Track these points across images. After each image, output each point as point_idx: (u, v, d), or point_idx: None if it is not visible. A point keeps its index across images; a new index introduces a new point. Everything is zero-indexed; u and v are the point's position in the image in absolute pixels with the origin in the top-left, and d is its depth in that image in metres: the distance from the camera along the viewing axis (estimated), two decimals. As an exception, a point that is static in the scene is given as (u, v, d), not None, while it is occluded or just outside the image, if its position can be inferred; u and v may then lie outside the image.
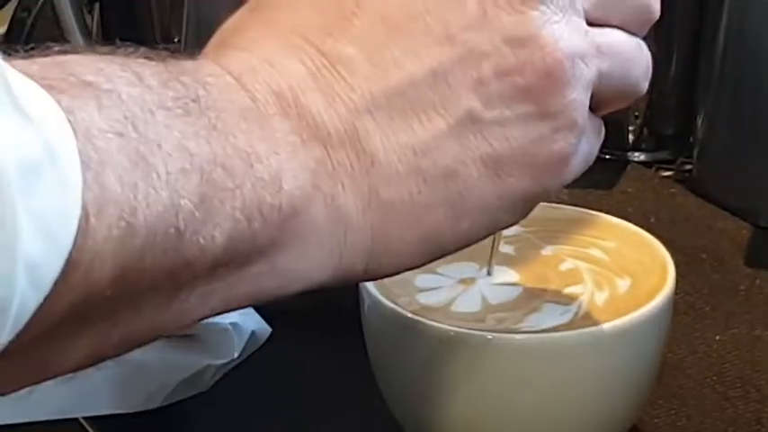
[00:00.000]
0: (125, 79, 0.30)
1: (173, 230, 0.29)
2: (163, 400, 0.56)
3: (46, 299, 0.25)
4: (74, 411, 0.56)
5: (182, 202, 0.29)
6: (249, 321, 0.56)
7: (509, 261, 0.51)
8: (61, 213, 0.25)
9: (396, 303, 0.47)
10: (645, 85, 0.41)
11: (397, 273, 0.38)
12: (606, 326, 0.45)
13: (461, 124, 0.35)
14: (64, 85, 0.28)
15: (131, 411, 0.55)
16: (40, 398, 0.53)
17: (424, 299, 0.48)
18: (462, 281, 0.50)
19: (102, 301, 0.28)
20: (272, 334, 0.57)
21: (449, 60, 0.35)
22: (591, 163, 0.40)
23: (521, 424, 0.48)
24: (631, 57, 0.39)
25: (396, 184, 0.35)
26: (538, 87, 0.36)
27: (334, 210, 0.34)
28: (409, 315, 0.46)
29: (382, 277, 0.40)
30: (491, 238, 0.46)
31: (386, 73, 0.35)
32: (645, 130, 0.82)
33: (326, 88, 0.34)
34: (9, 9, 0.92)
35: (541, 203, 0.54)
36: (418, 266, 0.39)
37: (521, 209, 0.38)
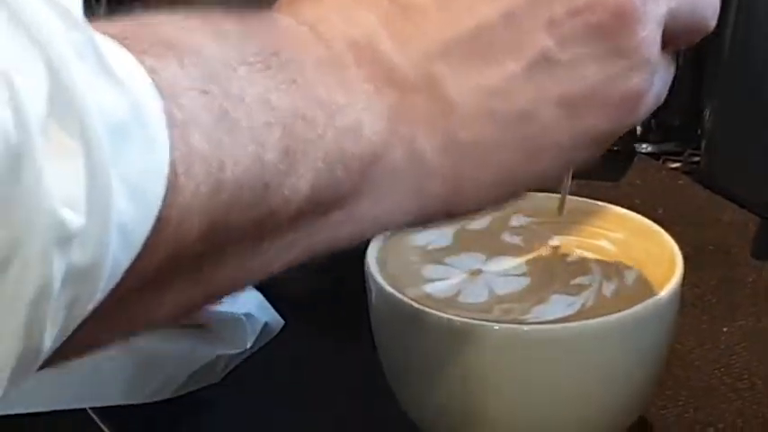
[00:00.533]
0: (206, 36, 0.30)
1: (259, 184, 0.29)
2: (174, 392, 0.56)
3: (137, 257, 0.26)
4: (85, 401, 0.56)
5: (267, 155, 0.29)
6: (263, 313, 0.57)
7: (517, 252, 0.51)
8: (150, 173, 0.26)
9: (403, 293, 0.47)
10: (713, 23, 0.41)
11: (477, 212, 0.40)
12: (614, 317, 0.45)
13: (535, 65, 0.35)
14: (146, 45, 0.28)
15: (142, 402, 0.55)
16: (52, 387, 0.53)
17: (431, 289, 0.48)
18: (469, 271, 0.50)
19: (191, 256, 0.29)
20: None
21: (520, 2, 0.35)
22: (662, 100, 0.40)
23: (527, 414, 0.48)
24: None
25: (471, 127, 0.35)
26: (610, 25, 0.35)
27: (411, 153, 0.34)
28: (416, 305, 0.46)
29: (462, 217, 0.41)
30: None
31: (458, 17, 0.35)
32: (652, 122, 0.82)
33: (399, 35, 0.35)
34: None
35: (550, 195, 0.55)
36: (495, 206, 0.40)
37: (596, 147, 0.38)
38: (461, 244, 0.51)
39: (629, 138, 0.81)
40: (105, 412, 0.56)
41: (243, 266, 0.32)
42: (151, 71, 0.27)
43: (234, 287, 0.34)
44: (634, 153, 0.81)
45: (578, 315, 0.46)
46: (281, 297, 0.59)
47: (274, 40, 0.33)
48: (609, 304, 0.46)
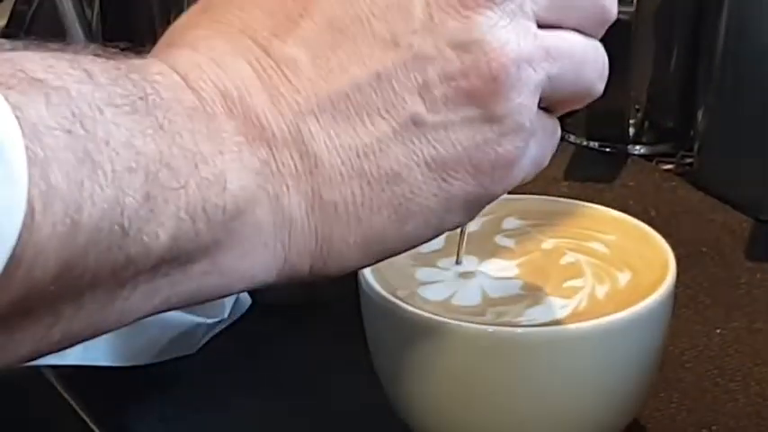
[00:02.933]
0: (74, 76, 0.30)
1: (117, 228, 0.29)
2: (154, 357, 0.57)
3: None
4: (68, 359, 0.55)
5: (126, 200, 0.29)
6: None
7: (509, 254, 0.51)
8: (6, 209, 0.26)
9: (395, 296, 0.47)
10: (600, 87, 0.41)
11: (344, 272, 0.38)
12: (607, 319, 0.45)
13: (406, 128, 0.36)
14: (12, 81, 0.28)
15: (124, 365, 0.56)
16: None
17: (423, 292, 0.48)
18: (462, 274, 0.49)
19: (44, 297, 0.28)
20: (274, 326, 0.60)
21: (394, 64, 0.35)
22: (544, 165, 0.40)
23: (520, 417, 0.47)
24: (584, 59, 0.39)
25: (339, 187, 0.35)
26: (483, 92, 0.36)
27: (278, 211, 0.34)
28: (409, 308, 0.46)
29: (328, 277, 0.39)
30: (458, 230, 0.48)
31: (331, 75, 0.35)
32: (646, 124, 0.82)
33: (272, 89, 0.35)
34: (9, 2, 0.93)
35: (542, 197, 0.56)
36: (365, 266, 0.42)
37: (467, 211, 0.39)
38: (454, 246, 0.51)
39: (622, 139, 0.82)
40: (68, 382, 0.57)
41: (102, 311, 0.32)
42: (15, 107, 0.26)
43: (94, 332, 0.33)
44: (627, 155, 0.81)
45: (571, 317, 0.46)
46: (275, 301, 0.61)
47: (144, 84, 0.32)
48: (602, 306, 0.46)
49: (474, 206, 0.39)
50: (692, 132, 0.79)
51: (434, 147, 0.36)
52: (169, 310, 0.35)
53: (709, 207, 0.73)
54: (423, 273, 0.50)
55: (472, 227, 0.52)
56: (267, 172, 0.34)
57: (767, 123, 0.72)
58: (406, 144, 0.36)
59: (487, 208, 0.51)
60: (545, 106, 0.39)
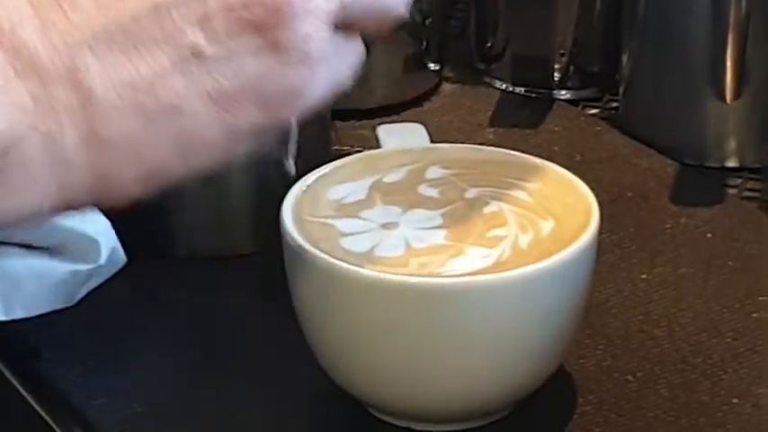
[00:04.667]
0: None
1: None
2: (32, 309, 0.56)
3: None
4: None
5: None
6: (111, 238, 0.59)
7: (433, 204, 0.50)
8: None
9: (318, 248, 0.46)
10: (401, 8, 0.41)
11: (128, 203, 0.38)
12: (530, 268, 0.44)
13: (185, 60, 0.35)
14: None
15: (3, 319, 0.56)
16: None
17: (346, 244, 0.47)
18: (385, 225, 0.49)
19: None
20: (186, 278, 0.61)
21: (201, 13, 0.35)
22: (341, 86, 0.41)
23: (446, 366, 0.47)
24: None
25: (116, 122, 0.34)
26: (266, 22, 0.35)
27: (49, 148, 0.33)
28: (331, 260, 0.45)
29: (111, 208, 0.39)
30: None
31: (109, 7, 0.34)
32: (570, 69, 0.81)
33: (48, 22, 0.33)
34: None
35: (466, 146, 0.55)
36: (147, 196, 0.38)
37: (252, 140, 0.38)
38: (377, 197, 0.50)
39: (547, 85, 0.82)
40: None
41: None
42: None
43: None
44: (552, 100, 0.80)
45: (495, 267, 0.45)
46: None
47: None
48: (526, 255, 0.46)
49: (261, 135, 0.39)
50: (617, 76, 0.79)
51: (216, 78, 0.35)
52: None
53: (635, 152, 0.74)
54: (345, 224, 0.49)
55: (393, 177, 0.51)
56: (39, 108, 0.33)
57: (691, 67, 0.72)
58: (186, 76, 0.35)
59: (410, 157, 0.51)
60: (343, 28, 0.39)
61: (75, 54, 0.33)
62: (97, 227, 0.58)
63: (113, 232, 0.59)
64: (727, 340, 0.55)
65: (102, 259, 0.58)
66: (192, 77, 0.35)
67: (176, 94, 0.35)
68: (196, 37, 0.35)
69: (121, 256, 0.59)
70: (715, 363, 0.54)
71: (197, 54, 0.35)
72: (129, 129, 0.35)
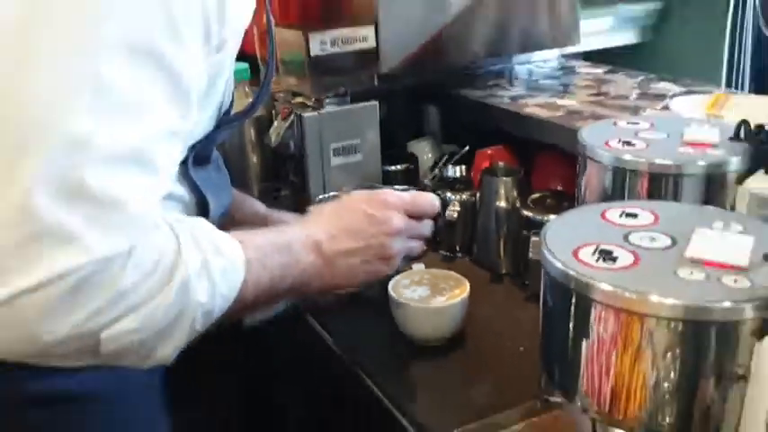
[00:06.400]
0: (263, 234, 1.00)
1: (271, 283, 0.95)
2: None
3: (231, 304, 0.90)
4: None
5: (274, 276, 0.96)
6: None
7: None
8: (236, 280, 0.89)
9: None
10: (428, 233, 1.19)
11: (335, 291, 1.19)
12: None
13: (372, 243, 1.08)
14: (240, 237, 0.94)
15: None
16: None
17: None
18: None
19: (246, 304, 0.93)
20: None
21: (366, 243, 1.08)
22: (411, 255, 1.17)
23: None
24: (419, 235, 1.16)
25: (334, 268, 1.05)
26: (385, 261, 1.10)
27: (317, 272, 1.04)
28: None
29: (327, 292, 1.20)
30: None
31: (340, 219, 1.08)
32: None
33: (326, 231, 1.06)
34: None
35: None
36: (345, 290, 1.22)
37: (374, 277, 1.11)
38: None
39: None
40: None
41: (268, 302, 1.02)
42: (244, 248, 0.92)
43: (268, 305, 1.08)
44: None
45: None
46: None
47: (289, 237, 1.02)
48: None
49: (377, 275, 1.11)
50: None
51: (378, 252, 1.08)
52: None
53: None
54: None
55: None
56: (318, 259, 1.03)
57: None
58: (371, 249, 1.08)
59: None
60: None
61: (327, 241, 1.04)
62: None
63: None
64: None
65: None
66: (372, 250, 1.07)
67: (363, 257, 1.07)
68: (379, 238, 1.07)
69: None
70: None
71: (378, 243, 1.07)
72: (338, 271, 1.05)
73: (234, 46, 0.91)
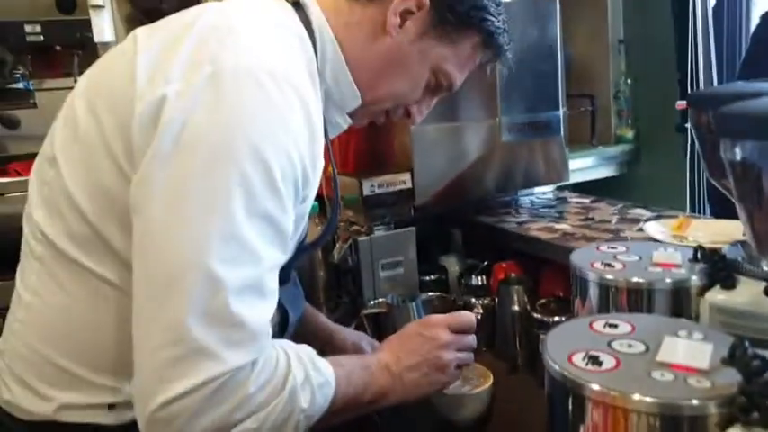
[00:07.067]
0: (348, 360, 0.99)
1: (355, 395, 0.94)
2: None
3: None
4: None
5: (357, 391, 0.94)
6: None
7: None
8: (329, 393, 0.89)
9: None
10: (474, 346, 1.13)
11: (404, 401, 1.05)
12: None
13: (430, 360, 1.05)
14: (337, 361, 0.94)
15: None
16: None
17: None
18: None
19: (336, 412, 0.91)
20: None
21: (425, 359, 1.05)
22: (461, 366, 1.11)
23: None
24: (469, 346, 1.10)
25: (404, 382, 1.02)
26: (441, 370, 1.06)
27: (391, 391, 1.01)
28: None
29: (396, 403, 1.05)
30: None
31: (403, 346, 1.06)
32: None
33: (396, 359, 1.04)
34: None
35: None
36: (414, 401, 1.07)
37: (437, 388, 1.07)
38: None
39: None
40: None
41: (354, 412, 0.96)
42: (333, 367, 0.92)
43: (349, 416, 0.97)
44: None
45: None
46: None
47: (367, 361, 1.01)
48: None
49: (439, 386, 1.06)
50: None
51: (436, 364, 1.05)
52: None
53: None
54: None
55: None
56: (391, 380, 1.01)
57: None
58: (430, 363, 1.05)
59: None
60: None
61: (394, 363, 1.02)
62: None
63: None
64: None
65: None
66: (428, 362, 1.04)
67: (423, 370, 1.03)
68: (433, 352, 1.04)
69: None
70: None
71: (433, 356, 1.04)
72: (406, 385, 1.02)
73: (312, 197, 0.93)
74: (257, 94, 0.79)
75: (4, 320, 0.97)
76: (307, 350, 0.89)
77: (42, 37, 1.90)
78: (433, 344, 1.04)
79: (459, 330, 1.08)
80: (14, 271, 0.98)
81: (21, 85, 2.17)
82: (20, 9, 1.95)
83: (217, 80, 0.79)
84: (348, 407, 0.92)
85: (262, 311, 0.80)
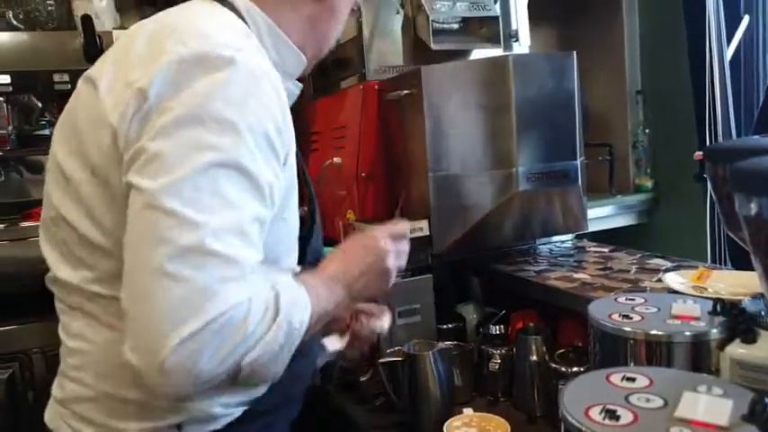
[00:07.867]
0: (312, 277, 1.02)
1: (325, 312, 1.00)
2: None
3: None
4: None
5: (324, 307, 1.00)
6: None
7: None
8: (304, 311, 0.93)
9: None
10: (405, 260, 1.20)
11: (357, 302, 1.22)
12: None
13: (380, 269, 1.11)
14: (309, 283, 0.99)
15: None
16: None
17: None
18: None
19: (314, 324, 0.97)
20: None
21: (369, 267, 1.10)
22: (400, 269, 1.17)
23: None
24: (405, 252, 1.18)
25: (355, 288, 1.07)
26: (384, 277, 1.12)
27: (346, 294, 1.06)
28: None
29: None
30: None
31: (350, 263, 1.09)
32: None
33: (347, 272, 1.08)
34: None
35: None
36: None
37: (377, 293, 1.14)
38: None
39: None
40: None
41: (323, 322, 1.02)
42: (306, 287, 0.97)
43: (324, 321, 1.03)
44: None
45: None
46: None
47: (323, 277, 1.04)
48: None
49: (378, 292, 1.13)
50: None
51: (373, 280, 1.10)
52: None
53: None
54: None
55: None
56: (345, 288, 1.06)
57: None
58: (376, 282, 1.11)
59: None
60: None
61: (345, 278, 1.06)
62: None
63: None
64: None
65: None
66: (375, 271, 1.10)
67: (370, 279, 1.09)
68: (380, 265, 1.10)
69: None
70: None
71: (378, 268, 1.10)
72: (354, 295, 1.08)
73: (292, 161, 1.00)
74: (216, 73, 0.85)
75: (29, 359, 0.99)
76: (285, 280, 0.94)
77: (70, 85, 1.95)
78: (377, 252, 1.11)
79: (397, 239, 1.16)
80: (38, 313, 1.01)
81: (47, 132, 2.21)
82: (49, 59, 2.00)
83: (176, 65, 0.86)
84: (319, 322, 0.99)
85: (246, 253, 0.83)
